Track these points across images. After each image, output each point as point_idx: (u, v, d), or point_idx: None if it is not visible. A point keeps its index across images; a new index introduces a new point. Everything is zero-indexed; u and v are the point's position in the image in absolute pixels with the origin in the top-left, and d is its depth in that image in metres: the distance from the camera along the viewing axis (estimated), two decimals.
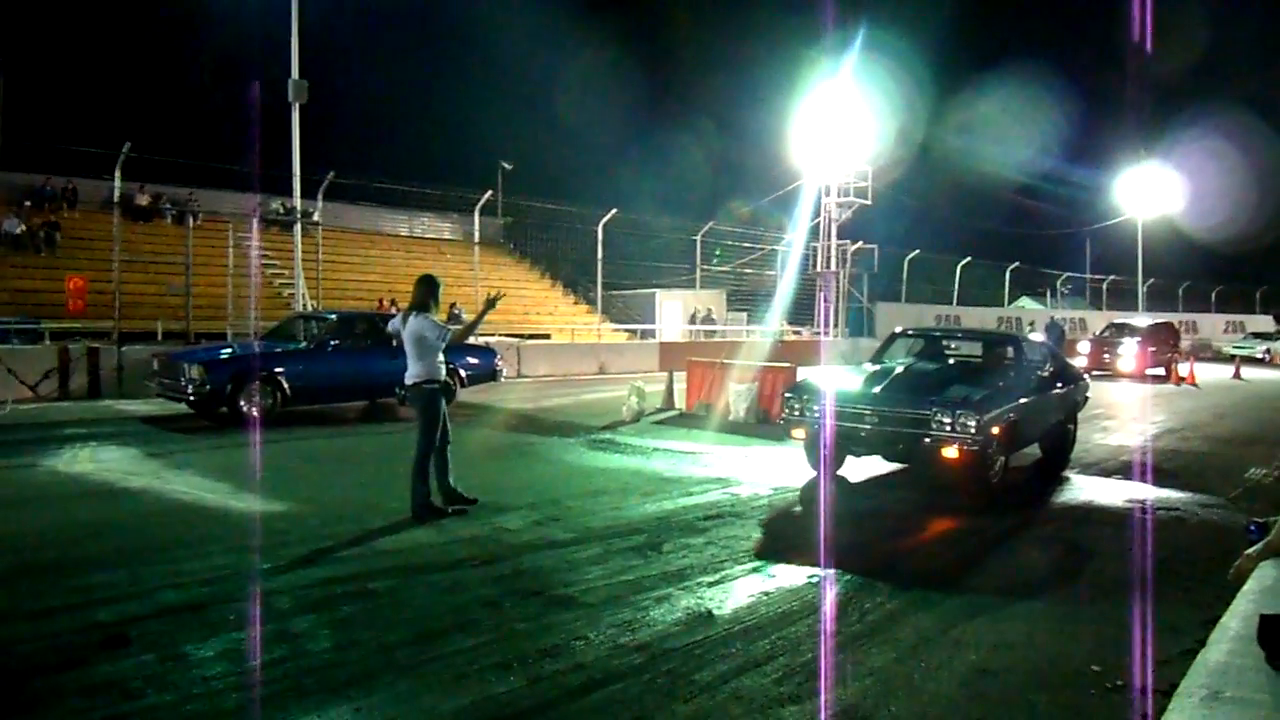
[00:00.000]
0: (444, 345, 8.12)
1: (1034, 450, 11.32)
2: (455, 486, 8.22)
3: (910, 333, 12.57)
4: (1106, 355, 27.40)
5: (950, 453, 8.71)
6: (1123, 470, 11.05)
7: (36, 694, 4.35)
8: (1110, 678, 4.71)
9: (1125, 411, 18.23)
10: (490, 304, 8.27)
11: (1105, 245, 51.61)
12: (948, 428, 8.72)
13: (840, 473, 10.13)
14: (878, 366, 10.64)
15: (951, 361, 11.33)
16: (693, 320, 34.28)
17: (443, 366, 8.23)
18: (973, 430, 8.60)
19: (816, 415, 9.57)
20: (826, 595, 5.89)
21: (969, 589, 6.43)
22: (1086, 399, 12.53)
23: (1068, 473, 10.73)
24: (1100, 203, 48.05)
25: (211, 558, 6.51)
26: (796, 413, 9.78)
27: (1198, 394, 22.36)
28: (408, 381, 8.15)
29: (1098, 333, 31.01)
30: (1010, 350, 11.22)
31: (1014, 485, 9.93)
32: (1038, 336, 29.04)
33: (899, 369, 10.32)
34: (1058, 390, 11.03)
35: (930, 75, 36.29)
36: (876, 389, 9.51)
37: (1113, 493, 9.68)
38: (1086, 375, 13.41)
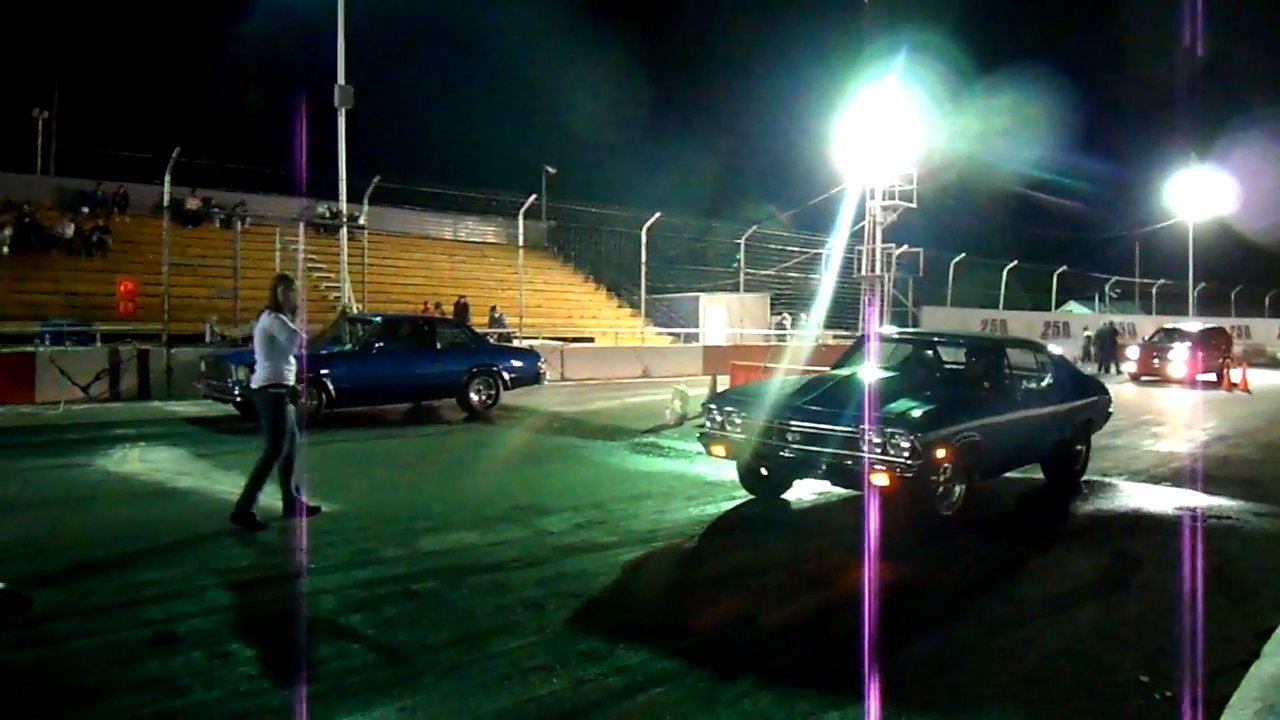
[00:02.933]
0: (295, 348, 7.67)
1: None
2: (297, 493, 7.81)
3: (895, 336, 11.49)
4: (1156, 360, 27.00)
5: (880, 479, 7.38)
6: (1172, 477, 10.86)
7: (89, 689, 4.42)
8: (1160, 688, 4.63)
9: (1175, 418, 17.96)
10: (344, 314, 8.20)
11: (1155, 249, 50.91)
12: (878, 449, 7.44)
13: (786, 496, 9.09)
14: (823, 374, 9.68)
15: (929, 370, 10.01)
16: (779, 326, 34.45)
17: (291, 370, 7.70)
18: (906, 453, 7.32)
19: (738, 429, 8.42)
20: (869, 600, 5.84)
21: (1015, 596, 6.37)
22: (1108, 415, 11.25)
23: (1115, 479, 10.54)
24: (1151, 206, 47.34)
25: (258, 557, 6.59)
26: (717, 426, 8.58)
27: (1250, 400, 21.97)
28: (253, 384, 7.78)
29: (1148, 337, 30.55)
30: (991, 358, 9.54)
31: (1009, 505, 9.81)
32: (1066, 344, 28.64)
33: (844, 376, 9.14)
34: (1058, 406, 9.80)
35: (977, 77, 35.91)
36: (807, 400, 8.34)
37: (1162, 500, 9.53)
38: (1133, 380, 12.84)
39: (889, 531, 7.11)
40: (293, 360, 7.69)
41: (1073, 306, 51.82)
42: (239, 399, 13.10)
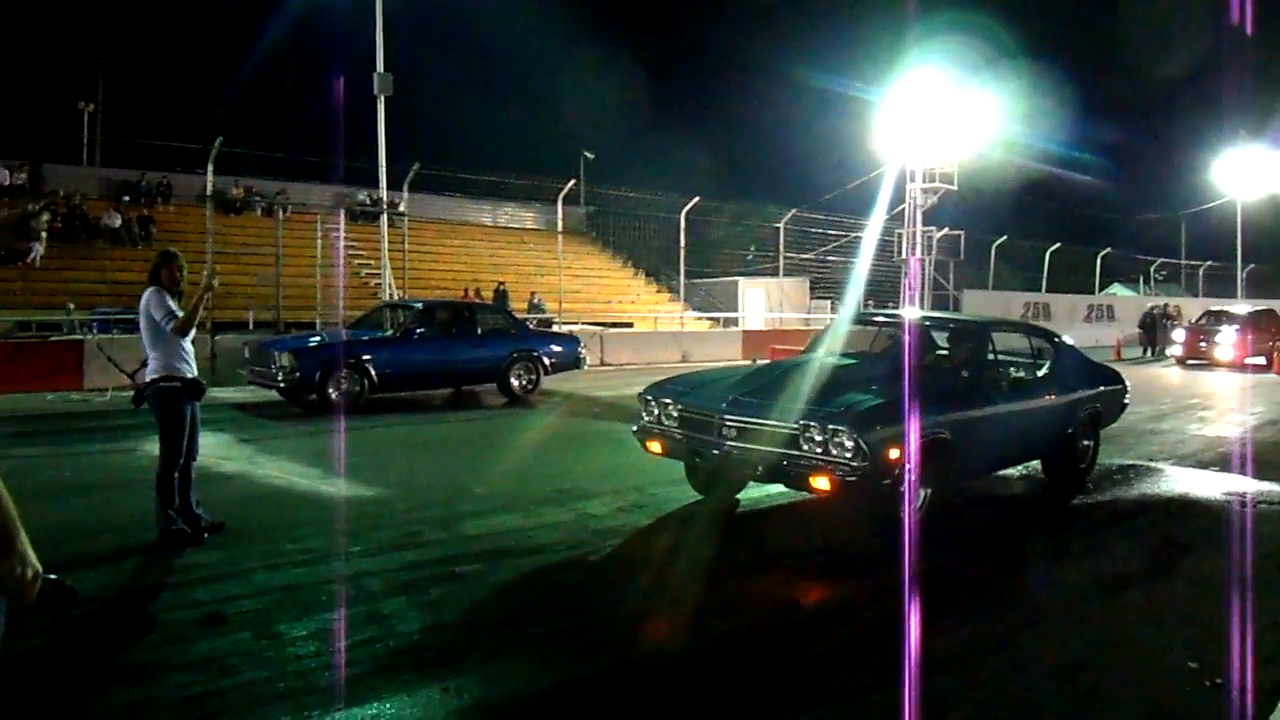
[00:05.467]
0: (173, 329, 6.55)
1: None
2: (197, 509, 6.74)
3: (882, 320, 10.40)
4: (1203, 343, 26.55)
5: (820, 483, 6.49)
6: (1220, 462, 10.69)
7: (141, 668, 4.49)
8: (1209, 675, 4.57)
9: (1223, 402, 17.68)
10: (207, 287, 6.88)
11: (1202, 229, 50.12)
12: (819, 448, 6.55)
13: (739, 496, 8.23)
14: (776, 361, 8.92)
15: (902, 357, 8.32)
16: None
17: (188, 360, 6.71)
18: (849, 453, 6.42)
19: (675, 423, 7.58)
20: (913, 582, 5.81)
21: (1060, 581, 6.30)
22: (1122, 407, 10.18)
23: (1161, 464, 10.39)
24: (1198, 185, 46.52)
25: (303, 540, 6.66)
26: (654, 419, 7.78)
27: None
28: (146, 377, 6.67)
29: (1194, 320, 30.11)
30: (973, 344, 8.61)
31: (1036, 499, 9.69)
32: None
33: (797, 364, 8.34)
34: (1058, 397, 8.86)
35: (1019, 56, 35.52)
36: (747, 391, 7.46)
37: (1210, 485, 9.38)
38: (1180, 364, 12.08)
39: (927, 516, 7.05)
40: (188, 347, 6.72)
41: (1117, 289, 51.12)
42: (281, 384, 13.23)
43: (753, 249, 35.42)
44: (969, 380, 8.12)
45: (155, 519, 6.53)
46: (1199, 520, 8.06)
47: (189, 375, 6.69)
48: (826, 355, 8.65)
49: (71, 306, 21.79)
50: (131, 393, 7.00)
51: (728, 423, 7.08)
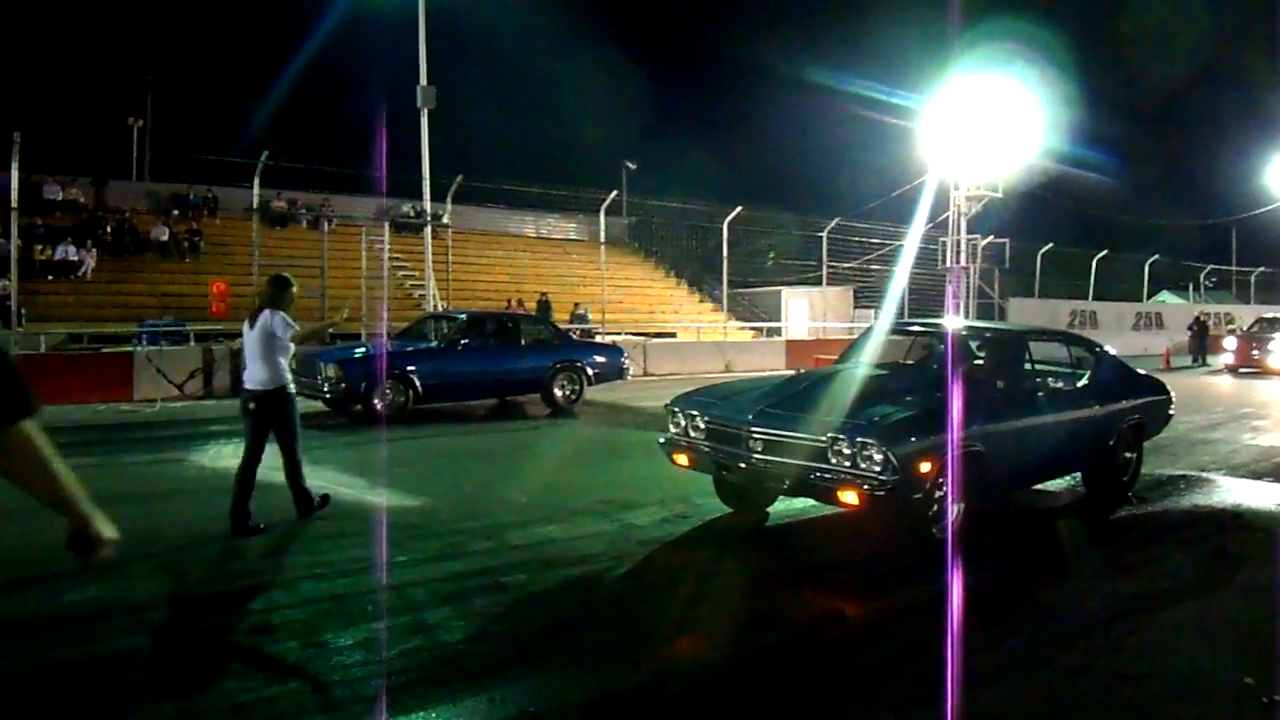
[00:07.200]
0: (291, 342, 7.37)
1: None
2: (251, 510, 7.26)
3: (915, 329, 9.98)
4: (1256, 351, 26.04)
5: (849, 497, 6.34)
6: (1274, 473, 10.47)
7: (190, 676, 4.55)
8: (1265, 690, 4.48)
9: (1277, 411, 17.35)
10: (336, 322, 8.80)
11: (1254, 234, 49.23)
12: (848, 462, 6.38)
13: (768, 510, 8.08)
14: (805, 371, 8.86)
15: (935, 367, 8.45)
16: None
17: (289, 371, 7.45)
18: (878, 467, 6.25)
19: (702, 436, 7.49)
20: (958, 596, 5.75)
21: (1109, 593, 6.21)
22: (1167, 417, 9.85)
23: (1213, 474, 10.19)
24: (1249, 189, 45.73)
25: (349, 550, 6.71)
26: (681, 432, 7.67)
27: None
28: (251, 386, 7.35)
29: (1246, 328, 29.56)
30: (1009, 353, 8.34)
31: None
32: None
33: (826, 375, 8.18)
34: (1098, 408, 8.48)
35: (1064, 63, 35.11)
36: (774, 403, 7.25)
37: (1264, 496, 9.20)
38: (1231, 372, 11.79)
39: (968, 528, 6.98)
40: (283, 360, 7.39)
41: (1165, 296, 50.38)
42: (326, 395, 13.35)
43: (771, 256, 35.31)
44: (1004, 391, 7.89)
45: (294, 503, 7.51)
46: (1253, 532, 7.89)
47: (289, 383, 7.49)
48: (857, 366, 8.44)
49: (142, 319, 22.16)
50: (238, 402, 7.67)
51: (754, 435, 6.92)
